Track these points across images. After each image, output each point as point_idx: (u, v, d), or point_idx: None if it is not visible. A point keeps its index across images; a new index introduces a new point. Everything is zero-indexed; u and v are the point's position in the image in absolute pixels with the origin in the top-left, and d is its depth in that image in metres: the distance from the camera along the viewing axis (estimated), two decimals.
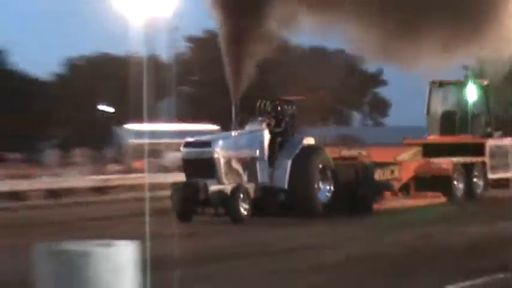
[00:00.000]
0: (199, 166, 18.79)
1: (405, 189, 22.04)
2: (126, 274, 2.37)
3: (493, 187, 23.77)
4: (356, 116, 55.34)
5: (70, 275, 2.25)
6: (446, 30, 20.95)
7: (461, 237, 15.14)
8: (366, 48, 22.70)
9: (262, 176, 19.37)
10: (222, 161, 18.60)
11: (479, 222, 17.77)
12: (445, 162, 22.51)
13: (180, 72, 32.21)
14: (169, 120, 27.94)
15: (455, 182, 22.41)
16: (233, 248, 14.38)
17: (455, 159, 22.58)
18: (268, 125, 19.75)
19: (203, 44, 37.38)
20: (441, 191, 22.17)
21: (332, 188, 19.71)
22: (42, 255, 2.32)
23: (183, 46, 37.53)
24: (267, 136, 19.55)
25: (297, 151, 19.65)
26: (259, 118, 19.96)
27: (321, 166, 19.67)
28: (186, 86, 34.44)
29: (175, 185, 19.32)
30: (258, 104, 20.17)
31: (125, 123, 20.47)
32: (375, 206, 19.85)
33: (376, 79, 48.87)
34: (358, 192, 19.84)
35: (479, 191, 23.13)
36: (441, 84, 25.00)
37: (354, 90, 39.74)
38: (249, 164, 19.30)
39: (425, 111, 25.03)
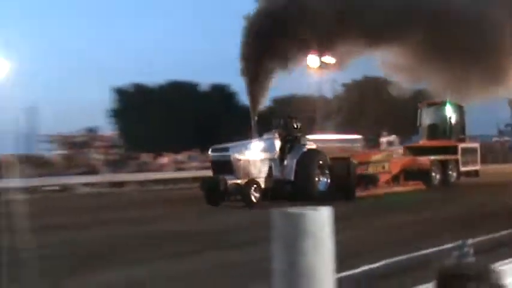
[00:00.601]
0: (221, 165, 17.48)
1: (396, 179, 21.27)
2: (326, 228, 2.40)
3: (466, 176, 23.70)
4: None
5: (292, 228, 2.34)
6: (488, 76, 22.41)
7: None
8: (443, 90, 23.81)
9: (275, 171, 18.24)
10: (237, 161, 17.45)
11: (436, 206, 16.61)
12: (425, 159, 22.13)
13: (337, 105, 38.71)
14: (332, 132, 29.62)
15: (433, 174, 22.14)
16: None
17: (433, 157, 22.41)
18: (280, 135, 18.78)
19: (351, 87, 44.99)
20: (422, 180, 21.61)
21: (328, 180, 18.47)
22: (276, 215, 2.41)
23: (339, 89, 43.86)
24: (278, 143, 18.59)
25: (301, 153, 18.52)
26: (273, 130, 19.03)
27: (320, 163, 18.50)
28: (341, 112, 37.31)
29: (203, 179, 18.23)
30: (273, 120, 19.56)
31: (307, 134, 21.96)
32: (359, 194, 18.58)
33: None
34: (345, 183, 18.40)
35: (453, 180, 22.99)
36: (428, 104, 25.13)
37: None
38: (263, 163, 18.11)
39: (418, 124, 24.99)
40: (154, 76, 56.02)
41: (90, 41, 79.83)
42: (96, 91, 75.32)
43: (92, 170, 27.52)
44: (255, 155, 17.93)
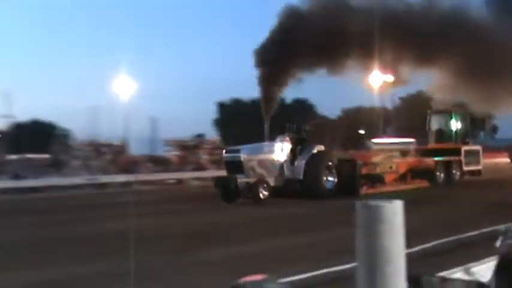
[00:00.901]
0: (233, 166, 16.08)
1: (403, 178, 19.74)
2: (399, 217, 2.37)
3: (470, 175, 22.52)
4: (481, 134, 53.23)
5: (372, 216, 2.31)
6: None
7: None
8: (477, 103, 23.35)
9: (286, 171, 16.80)
10: (247, 162, 16.03)
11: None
12: (430, 160, 20.92)
13: (395, 114, 42.13)
14: (391, 136, 28.79)
15: (437, 173, 20.84)
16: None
17: (437, 158, 21.25)
18: (291, 138, 17.36)
19: (406, 100, 47.33)
20: (428, 179, 20.41)
21: (336, 180, 17.03)
22: (359, 206, 2.37)
23: (397, 101, 47.63)
24: (288, 145, 17.11)
25: (311, 155, 17.12)
26: (286, 134, 17.61)
27: (329, 164, 17.08)
28: (398, 120, 37.17)
29: (217, 178, 16.90)
30: (286, 125, 18.12)
31: (371, 138, 21.29)
32: (365, 191, 17.04)
33: (490, 116, 46.58)
34: (351, 182, 16.99)
35: (456, 178, 21.78)
36: (436, 112, 23.93)
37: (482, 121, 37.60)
38: (273, 164, 16.63)
39: (426, 128, 23.69)
40: (251, 91, 57.52)
41: (202, 62, 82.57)
42: (204, 104, 77.75)
43: (201, 167, 28.64)
44: (264, 156, 16.70)
